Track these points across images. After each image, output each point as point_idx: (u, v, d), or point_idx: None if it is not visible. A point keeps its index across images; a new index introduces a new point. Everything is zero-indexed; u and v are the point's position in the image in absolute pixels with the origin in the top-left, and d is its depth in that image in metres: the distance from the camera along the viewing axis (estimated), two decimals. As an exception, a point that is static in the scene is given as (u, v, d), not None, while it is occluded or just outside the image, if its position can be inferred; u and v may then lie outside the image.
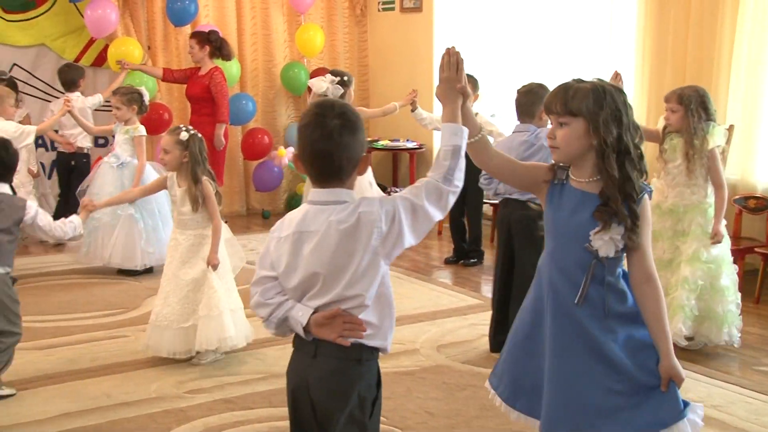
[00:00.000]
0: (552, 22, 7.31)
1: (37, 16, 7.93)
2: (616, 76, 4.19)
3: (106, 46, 7.71)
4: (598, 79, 2.39)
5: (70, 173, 7.16)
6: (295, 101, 9.06)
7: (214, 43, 7.35)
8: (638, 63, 6.39)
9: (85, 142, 7.20)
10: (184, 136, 4.19)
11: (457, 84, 2.28)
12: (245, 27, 8.74)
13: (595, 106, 2.30)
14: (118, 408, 3.67)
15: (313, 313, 2.12)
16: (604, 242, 2.30)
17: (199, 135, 4.30)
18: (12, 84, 6.63)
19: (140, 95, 6.18)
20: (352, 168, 2.14)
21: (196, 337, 4.14)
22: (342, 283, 2.09)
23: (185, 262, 4.24)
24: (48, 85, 7.92)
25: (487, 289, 5.67)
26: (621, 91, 2.37)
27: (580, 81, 2.38)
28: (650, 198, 2.39)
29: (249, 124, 8.57)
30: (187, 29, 8.23)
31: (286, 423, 3.45)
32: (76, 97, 6.93)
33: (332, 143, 2.08)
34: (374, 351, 2.18)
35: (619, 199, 2.30)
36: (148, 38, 8.22)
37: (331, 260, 2.09)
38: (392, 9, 8.95)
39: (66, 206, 6.70)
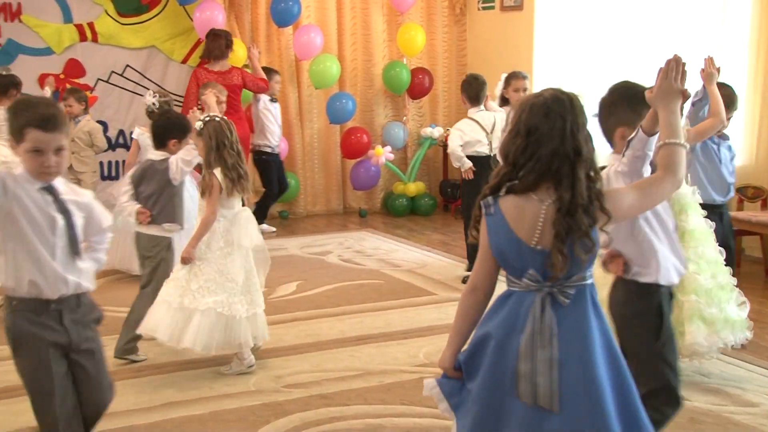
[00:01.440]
0: (659, 19, 7.08)
1: (149, 19, 8.26)
2: (709, 62, 4.18)
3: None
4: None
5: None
6: (393, 100, 9.11)
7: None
8: (751, 58, 6.16)
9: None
10: (198, 125, 4.11)
11: (679, 92, 2.39)
12: (345, 27, 8.85)
13: None
14: (220, 399, 3.78)
15: None
16: None
17: (218, 121, 4.09)
18: (13, 82, 6.16)
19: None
20: None
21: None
22: None
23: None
24: (158, 85, 8.23)
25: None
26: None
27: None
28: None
29: (348, 123, 8.67)
30: (289, 30, 8.41)
31: (380, 420, 3.53)
32: None
33: None
34: None
35: None
36: (252, 39, 8.43)
37: None
38: (492, 8, 8.87)
39: None
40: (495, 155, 5.69)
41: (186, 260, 3.99)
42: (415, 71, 8.77)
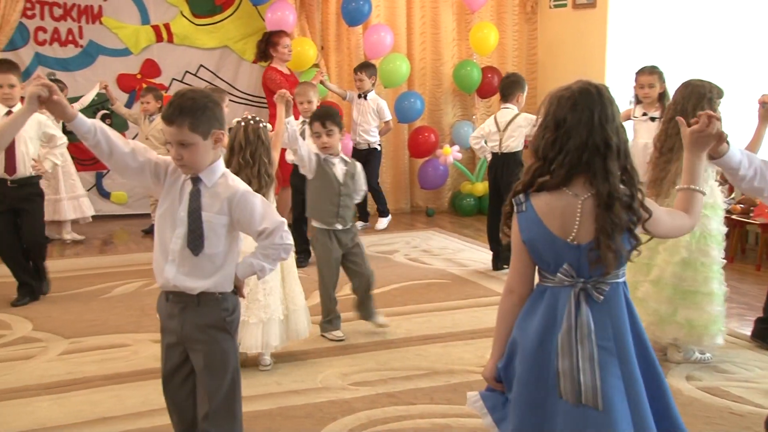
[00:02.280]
0: (737, 18, 6.87)
1: (222, 20, 8.43)
2: None
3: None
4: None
5: None
6: (462, 99, 9.08)
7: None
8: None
9: None
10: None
11: (714, 140, 2.41)
12: (414, 26, 8.85)
13: None
14: (287, 395, 3.83)
15: None
16: None
17: (242, 124, 4.08)
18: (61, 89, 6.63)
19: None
20: None
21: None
22: None
23: None
24: (229, 84, 8.39)
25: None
26: None
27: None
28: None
29: (415, 123, 8.68)
30: (359, 29, 8.46)
31: (447, 420, 3.53)
32: None
33: None
34: None
35: None
36: (322, 38, 8.51)
37: None
38: (564, 5, 8.76)
39: None
40: (502, 153, 6.02)
41: None
42: (484, 70, 8.71)
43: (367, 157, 7.47)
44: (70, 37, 7.98)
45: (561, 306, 2.19)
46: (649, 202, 2.26)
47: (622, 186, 2.16)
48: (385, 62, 8.25)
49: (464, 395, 3.74)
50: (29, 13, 7.74)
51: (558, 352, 2.17)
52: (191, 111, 2.55)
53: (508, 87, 6.08)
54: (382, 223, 7.88)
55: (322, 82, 7.78)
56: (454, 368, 4.16)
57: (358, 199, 4.70)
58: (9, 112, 5.00)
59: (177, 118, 2.54)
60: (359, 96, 7.70)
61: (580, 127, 2.15)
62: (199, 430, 2.76)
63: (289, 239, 2.70)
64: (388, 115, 7.72)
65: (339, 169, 4.55)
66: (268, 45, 7.54)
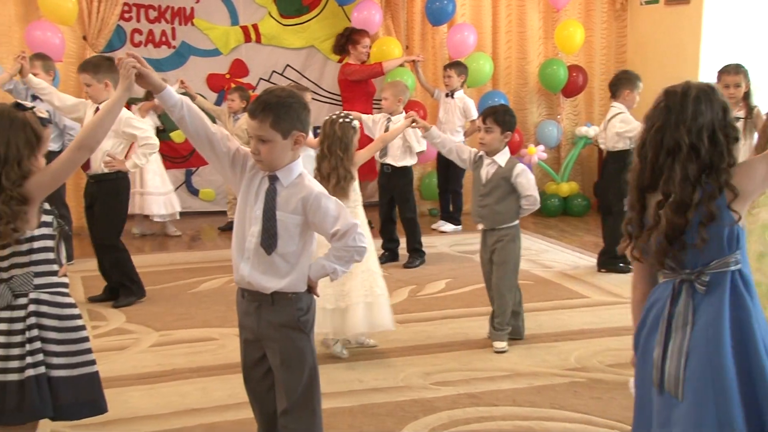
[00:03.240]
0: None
1: (308, 20, 8.55)
2: None
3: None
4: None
5: None
6: (548, 99, 8.95)
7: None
8: None
9: None
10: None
11: None
12: (500, 24, 8.78)
13: None
14: (369, 393, 3.85)
15: None
16: None
17: (330, 118, 4.35)
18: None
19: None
20: None
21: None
22: None
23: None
24: (315, 83, 8.50)
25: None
26: None
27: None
28: None
29: (500, 122, 8.58)
30: (443, 28, 8.44)
31: (530, 423, 3.49)
32: None
33: None
34: None
35: None
36: (407, 38, 8.53)
37: None
38: (656, 2, 8.52)
39: None
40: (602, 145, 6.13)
41: None
42: (570, 69, 8.56)
43: None
44: (164, 39, 8.22)
45: (665, 298, 2.27)
46: (747, 162, 2.28)
47: (700, 186, 2.16)
48: (469, 61, 8.19)
49: (548, 398, 3.73)
50: (126, 15, 8.02)
51: (656, 343, 2.25)
52: (275, 108, 2.58)
53: (613, 84, 6.00)
54: (448, 226, 7.78)
55: (415, 68, 7.82)
56: (537, 370, 4.11)
57: (524, 203, 4.44)
58: (97, 109, 4.96)
59: (261, 113, 2.58)
60: (446, 95, 7.68)
61: (658, 128, 2.21)
62: (279, 425, 2.81)
63: (363, 242, 2.70)
64: (475, 114, 7.65)
65: (486, 170, 4.43)
66: (348, 41, 7.63)
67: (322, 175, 4.27)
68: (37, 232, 2.66)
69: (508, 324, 4.45)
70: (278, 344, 2.72)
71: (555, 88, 8.56)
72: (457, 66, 7.68)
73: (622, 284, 5.79)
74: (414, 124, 4.74)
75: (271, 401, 2.82)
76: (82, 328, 2.77)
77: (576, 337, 4.63)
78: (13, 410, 2.61)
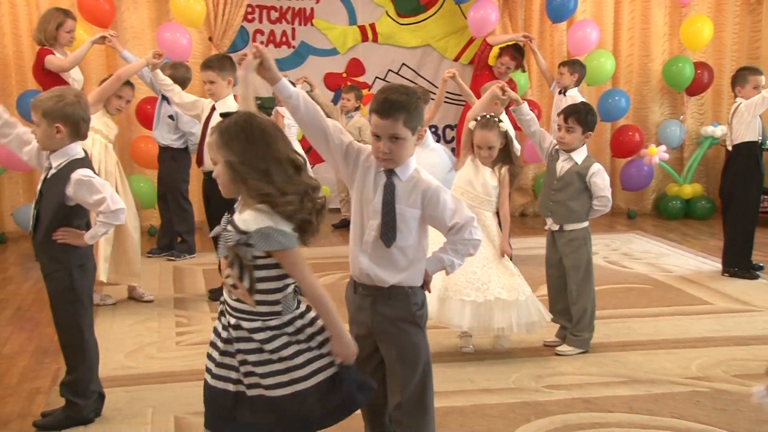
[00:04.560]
0: None
1: (425, 19, 8.57)
2: None
3: (485, 46, 7.95)
4: None
5: None
6: (671, 97, 8.63)
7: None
8: None
9: None
10: (503, 127, 4.24)
11: None
12: (623, 21, 8.54)
13: None
14: (480, 393, 3.82)
15: None
16: None
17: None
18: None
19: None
20: None
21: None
22: None
23: None
24: (430, 82, 8.51)
25: None
26: None
27: None
28: None
29: (619, 121, 8.36)
30: (563, 25, 8.28)
31: (650, 434, 3.38)
32: None
33: None
34: None
35: None
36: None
37: None
38: (793, -5, 8.08)
39: None
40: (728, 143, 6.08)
41: (505, 252, 4.24)
42: (696, 66, 8.22)
43: None
44: (284, 39, 8.44)
45: None
46: None
47: None
48: (589, 59, 7.99)
49: (667, 407, 3.60)
50: (249, 17, 8.27)
51: None
52: (406, 106, 2.61)
53: (732, 81, 6.07)
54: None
55: (533, 51, 7.72)
56: (655, 378, 3.96)
57: (596, 203, 4.29)
58: (213, 108, 5.08)
59: (394, 112, 2.60)
60: (559, 92, 7.52)
61: None
62: (392, 419, 2.82)
63: (478, 234, 2.73)
64: None
65: (561, 165, 4.33)
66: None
67: (514, 173, 4.31)
68: None
69: (587, 330, 4.33)
70: (393, 338, 2.74)
71: (680, 86, 8.24)
72: (571, 64, 7.50)
73: (751, 291, 5.52)
74: (503, 95, 4.38)
75: (381, 395, 2.83)
76: None
77: (698, 345, 4.44)
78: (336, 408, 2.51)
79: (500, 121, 4.25)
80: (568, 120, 4.27)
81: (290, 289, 2.44)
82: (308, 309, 2.49)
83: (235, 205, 2.46)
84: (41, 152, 3.35)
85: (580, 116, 4.26)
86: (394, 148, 2.63)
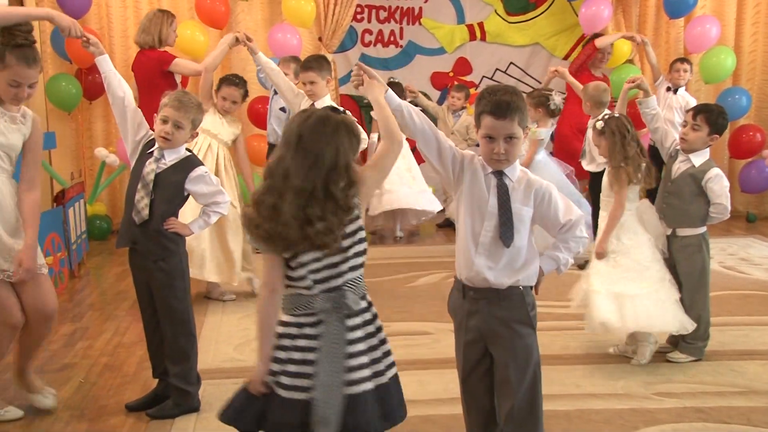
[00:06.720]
0: None
1: (535, 17, 8.44)
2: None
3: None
4: None
5: None
6: (797, 96, 8.19)
7: None
8: None
9: None
10: (599, 125, 4.17)
11: None
12: (746, 16, 8.17)
13: None
14: (586, 398, 3.72)
15: None
16: None
17: (618, 117, 4.17)
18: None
19: (546, 98, 6.08)
20: None
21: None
22: None
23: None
24: (537, 81, 8.37)
25: None
26: None
27: None
28: None
29: (739, 121, 7.99)
30: (680, 22, 7.99)
31: (769, 448, 3.20)
32: None
33: None
34: None
35: None
36: (639, 32, 8.15)
37: None
38: None
39: None
40: None
41: (600, 255, 4.11)
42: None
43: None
44: (392, 38, 8.49)
45: None
46: None
47: None
48: (708, 56, 7.68)
49: (789, 421, 3.40)
50: (359, 17, 8.37)
51: None
52: (519, 106, 2.64)
53: None
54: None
55: (644, 47, 7.48)
56: (776, 390, 3.76)
57: (713, 210, 4.08)
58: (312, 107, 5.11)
59: (511, 113, 2.62)
60: (667, 89, 7.22)
61: None
62: (503, 422, 2.77)
63: (585, 233, 2.73)
64: None
65: (677, 166, 4.15)
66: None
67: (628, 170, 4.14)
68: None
69: (701, 339, 4.15)
70: (507, 341, 2.71)
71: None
72: (690, 63, 7.22)
73: None
74: (639, 87, 4.29)
75: (489, 402, 2.81)
76: None
77: (824, 358, 4.19)
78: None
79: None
80: (697, 117, 4.06)
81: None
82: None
83: None
84: (140, 145, 3.51)
85: (711, 116, 4.04)
86: (509, 148, 2.64)
